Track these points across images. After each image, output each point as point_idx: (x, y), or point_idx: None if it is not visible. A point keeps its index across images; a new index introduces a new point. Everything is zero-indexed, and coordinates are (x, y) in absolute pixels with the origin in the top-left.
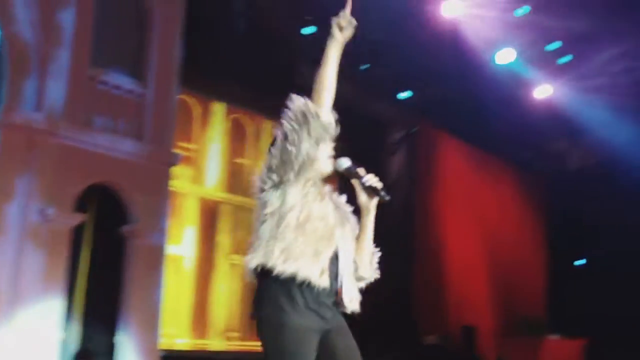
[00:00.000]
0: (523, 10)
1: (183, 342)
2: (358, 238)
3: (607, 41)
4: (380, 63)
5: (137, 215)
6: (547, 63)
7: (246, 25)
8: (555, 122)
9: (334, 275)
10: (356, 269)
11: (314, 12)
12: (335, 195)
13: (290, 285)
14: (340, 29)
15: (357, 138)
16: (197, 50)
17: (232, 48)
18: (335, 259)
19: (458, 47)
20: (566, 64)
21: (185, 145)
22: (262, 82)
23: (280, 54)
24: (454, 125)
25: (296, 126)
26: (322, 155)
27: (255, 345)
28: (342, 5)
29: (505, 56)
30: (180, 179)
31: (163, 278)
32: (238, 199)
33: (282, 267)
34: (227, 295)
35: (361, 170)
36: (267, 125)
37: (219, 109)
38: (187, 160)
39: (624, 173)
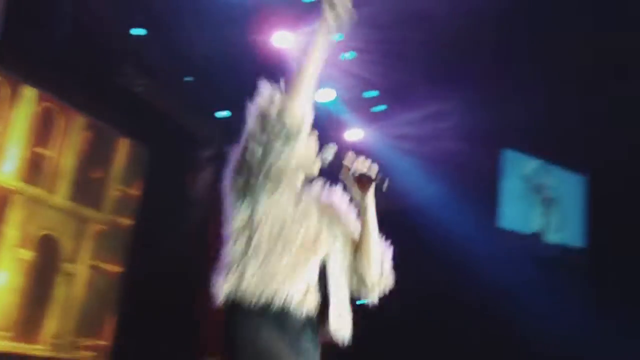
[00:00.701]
0: (350, 54)
1: None
2: (360, 240)
3: (418, 101)
4: (204, 79)
5: None
6: (362, 108)
7: (73, 14)
8: None
9: (324, 290)
10: (362, 278)
11: (145, 14)
12: (326, 190)
13: (266, 313)
14: (332, 6)
15: (166, 147)
16: (17, 30)
17: (55, 35)
18: (324, 268)
19: (282, 77)
20: (380, 113)
21: None
22: (81, 76)
23: (105, 50)
24: None
25: (257, 128)
26: (297, 157)
27: (29, 348)
28: (175, 11)
29: (325, 95)
30: None
31: None
32: (33, 190)
33: (257, 290)
34: (6, 292)
35: (348, 159)
36: (78, 119)
37: (30, 94)
38: None
39: (422, 224)
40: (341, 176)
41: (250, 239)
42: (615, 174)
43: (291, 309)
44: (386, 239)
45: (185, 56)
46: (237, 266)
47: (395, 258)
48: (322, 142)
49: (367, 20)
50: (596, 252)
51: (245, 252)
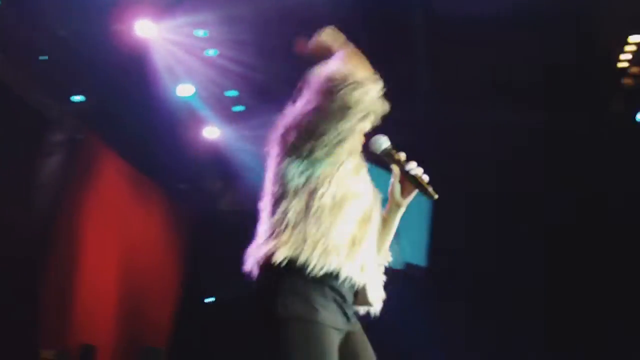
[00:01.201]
0: (213, 52)
1: None
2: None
3: (278, 104)
4: (60, 60)
5: None
6: (222, 107)
7: None
8: (216, 163)
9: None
10: None
11: None
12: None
13: (323, 282)
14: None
15: (13, 127)
16: None
17: None
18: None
19: (143, 68)
20: (239, 113)
21: None
22: None
23: None
24: (120, 143)
25: (339, 102)
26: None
27: None
28: None
29: (185, 90)
30: None
31: None
32: None
33: (320, 262)
34: None
35: (402, 155)
36: None
37: None
38: None
39: None
40: (393, 168)
41: (309, 204)
42: (458, 198)
43: (347, 283)
44: (233, 239)
45: (42, 35)
46: (294, 231)
47: (240, 258)
48: (179, 137)
49: (233, 19)
50: (436, 270)
51: (305, 217)
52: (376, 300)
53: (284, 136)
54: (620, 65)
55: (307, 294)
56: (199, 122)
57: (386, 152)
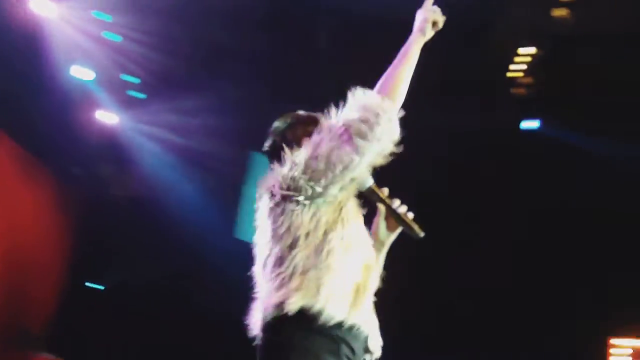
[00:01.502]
0: (115, 37)
1: None
2: None
3: (177, 94)
4: None
5: None
6: (119, 92)
7: None
8: (111, 148)
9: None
10: None
11: None
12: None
13: (334, 338)
14: (434, 25)
15: None
16: None
17: None
18: None
19: (37, 46)
20: (138, 100)
21: None
22: None
23: None
24: (10, 123)
25: (367, 129)
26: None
27: None
28: None
29: (81, 72)
30: None
31: None
32: None
33: (332, 310)
34: None
35: (385, 191)
36: None
37: None
38: None
39: (161, 211)
40: (378, 206)
41: (318, 248)
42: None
43: (355, 333)
44: (124, 224)
45: None
46: (304, 278)
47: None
48: (72, 119)
49: (136, 4)
50: None
51: (315, 262)
52: (377, 347)
53: (285, 182)
54: (510, 74)
55: (319, 354)
56: (95, 105)
57: (371, 190)
